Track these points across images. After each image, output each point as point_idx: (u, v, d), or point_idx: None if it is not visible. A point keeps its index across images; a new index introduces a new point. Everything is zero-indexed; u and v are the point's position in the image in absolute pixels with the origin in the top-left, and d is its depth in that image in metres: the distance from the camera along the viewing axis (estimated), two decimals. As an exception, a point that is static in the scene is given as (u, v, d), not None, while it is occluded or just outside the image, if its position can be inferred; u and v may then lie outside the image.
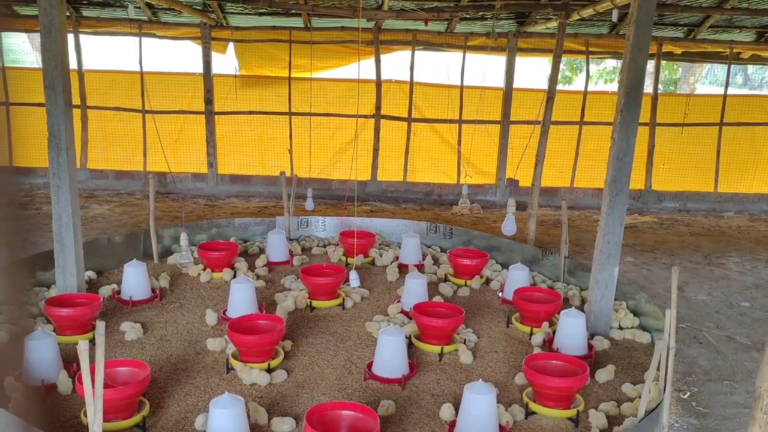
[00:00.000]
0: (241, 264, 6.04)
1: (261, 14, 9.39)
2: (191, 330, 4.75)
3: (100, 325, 2.70)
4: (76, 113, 9.68)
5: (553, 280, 6.08)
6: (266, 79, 10.17)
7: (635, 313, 5.18)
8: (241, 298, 4.85)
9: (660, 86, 11.01)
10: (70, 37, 9.46)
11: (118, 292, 5.31)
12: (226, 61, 10.18)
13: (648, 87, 9.71)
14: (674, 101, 10.48)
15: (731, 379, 4.55)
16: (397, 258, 6.46)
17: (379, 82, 10.04)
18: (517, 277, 5.50)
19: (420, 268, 6.21)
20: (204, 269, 5.87)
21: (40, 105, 4.68)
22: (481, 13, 8.76)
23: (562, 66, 11.85)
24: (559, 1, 7.32)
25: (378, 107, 10.13)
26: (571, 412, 3.69)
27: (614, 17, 6.39)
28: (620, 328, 5.02)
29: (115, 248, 6.06)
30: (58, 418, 3.53)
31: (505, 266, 6.34)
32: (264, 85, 10.18)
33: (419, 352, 4.49)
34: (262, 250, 6.68)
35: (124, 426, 3.42)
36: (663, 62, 10.50)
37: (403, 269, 6.15)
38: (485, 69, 8.46)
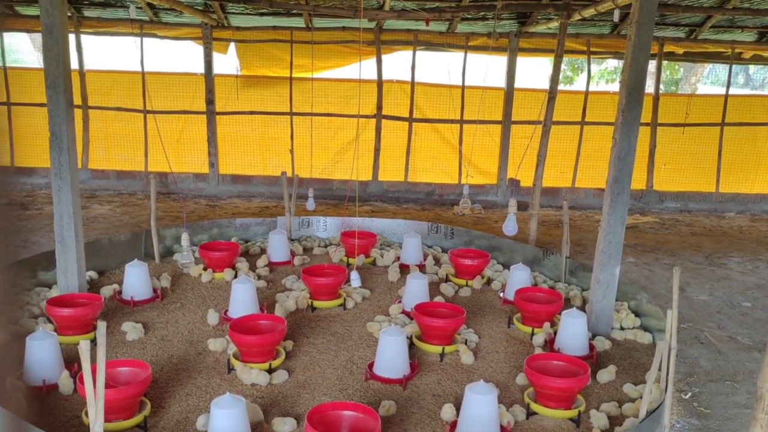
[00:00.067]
0: (243, 264, 6.04)
1: (262, 14, 9.40)
2: (192, 330, 4.75)
3: (102, 325, 2.70)
4: (78, 113, 9.68)
5: (554, 281, 6.08)
6: (267, 79, 10.18)
7: (636, 314, 5.17)
8: (243, 299, 4.85)
9: (661, 86, 11.00)
10: (72, 37, 9.46)
11: (120, 292, 5.31)
12: (227, 62, 10.19)
13: (649, 87, 9.71)
14: (676, 101, 10.47)
15: (733, 380, 4.54)
16: (399, 258, 6.45)
17: (380, 82, 10.04)
18: (519, 277, 5.49)
19: (421, 268, 6.20)
20: (205, 269, 5.87)
21: (41, 105, 4.69)
22: (482, 13, 8.76)
23: (563, 66, 11.85)
24: (561, 1, 7.32)
25: (379, 107, 10.12)
26: (573, 413, 3.69)
27: (615, 17, 6.38)
28: (621, 328, 5.01)
29: (116, 248, 6.07)
30: (59, 418, 3.53)
31: (506, 266, 6.33)
32: (265, 85, 10.19)
33: (420, 352, 4.49)
34: (263, 251, 6.69)
35: (126, 426, 3.42)
36: (664, 62, 10.49)
37: (404, 269, 6.14)
38: (486, 69, 8.46)
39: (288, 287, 5.66)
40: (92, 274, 5.62)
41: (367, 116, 10.15)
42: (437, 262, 6.56)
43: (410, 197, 10.37)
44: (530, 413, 3.73)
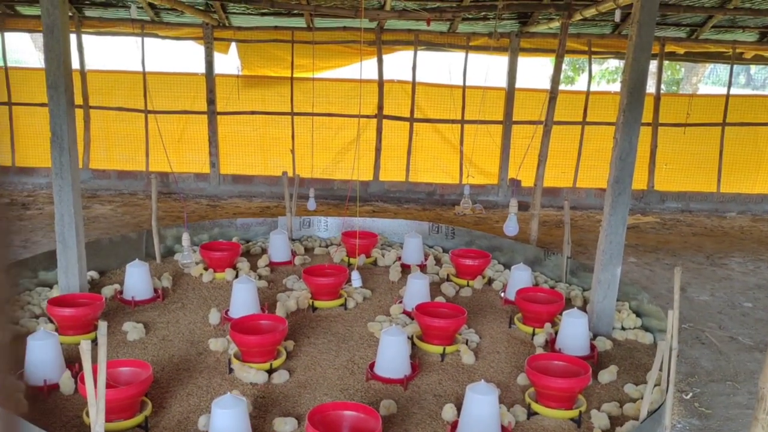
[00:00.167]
0: (243, 264, 6.04)
1: (263, 14, 9.40)
2: (193, 330, 4.75)
3: (103, 325, 2.70)
4: (79, 113, 9.68)
5: (555, 281, 6.07)
6: (268, 79, 10.18)
7: (638, 314, 5.17)
8: (243, 299, 4.85)
9: (663, 86, 11.00)
10: (73, 37, 9.47)
11: (121, 292, 5.31)
12: (228, 62, 10.20)
13: (650, 87, 9.69)
14: (677, 101, 10.47)
15: (734, 380, 4.54)
16: (400, 258, 6.45)
17: (381, 82, 10.04)
18: (520, 277, 5.49)
19: (422, 268, 6.20)
20: (206, 269, 5.87)
21: (42, 105, 4.70)
22: (483, 13, 8.76)
23: (564, 66, 11.84)
24: (562, 1, 7.31)
25: (380, 107, 10.12)
26: (574, 413, 3.69)
27: (617, 17, 6.38)
28: (622, 328, 5.01)
29: (117, 248, 6.07)
30: (60, 418, 3.54)
31: (507, 266, 6.33)
32: (266, 85, 10.19)
33: (421, 352, 4.49)
34: (264, 251, 6.68)
35: (127, 426, 3.42)
36: (666, 62, 10.48)
37: (405, 269, 6.14)
38: (487, 69, 8.46)
39: (289, 287, 5.66)
40: (93, 274, 5.62)
41: (368, 116, 10.15)
42: (438, 262, 6.56)
43: (411, 197, 10.37)
44: (531, 413, 3.73)
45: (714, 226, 9.49)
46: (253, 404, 3.71)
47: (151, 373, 3.59)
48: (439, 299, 5.32)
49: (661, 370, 3.44)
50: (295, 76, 10.08)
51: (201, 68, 9.97)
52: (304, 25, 9.70)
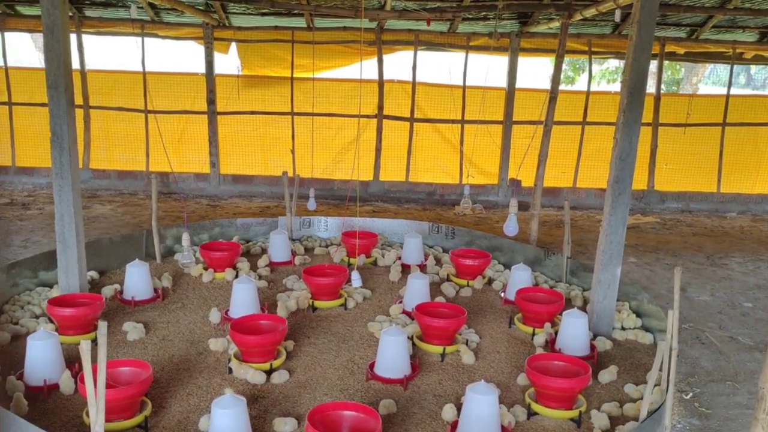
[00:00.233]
0: (243, 264, 6.04)
1: (263, 14, 9.40)
2: (193, 330, 4.75)
3: (102, 325, 2.70)
4: (79, 113, 9.68)
5: (555, 281, 6.07)
6: (269, 79, 10.18)
7: (638, 314, 5.17)
8: (243, 299, 4.85)
9: (663, 86, 11.00)
10: (73, 37, 9.47)
11: (121, 292, 5.31)
12: (228, 61, 10.20)
13: (651, 87, 9.68)
14: (677, 101, 10.47)
15: (734, 380, 4.54)
16: (400, 258, 6.45)
17: (381, 82, 10.05)
18: (520, 277, 5.49)
19: (422, 268, 6.20)
20: (206, 269, 5.87)
21: (42, 105, 4.70)
22: (483, 13, 8.76)
23: (564, 66, 11.83)
24: (562, 1, 7.32)
25: (380, 107, 10.13)
26: (574, 413, 3.69)
27: (617, 17, 6.38)
28: (623, 328, 5.01)
29: (117, 248, 6.07)
30: (60, 418, 3.53)
31: (507, 267, 6.33)
32: (266, 85, 10.19)
33: (421, 352, 4.49)
34: (264, 251, 6.69)
35: (126, 426, 3.42)
36: (666, 62, 10.48)
37: (405, 269, 6.14)
38: (488, 69, 8.46)
39: (289, 287, 5.66)
40: (93, 274, 5.62)
41: (368, 116, 10.15)
42: (438, 262, 6.56)
43: (411, 197, 10.38)
44: (531, 413, 3.73)
45: (714, 226, 9.49)
46: (252, 404, 3.71)
47: (151, 373, 3.59)
48: (439, 299, 5.32)
49: (661, 370, 3.44)
50: (295, 76, 10.08)
51: (201, 68, 9.98)
52: (305, 25, 9.71)
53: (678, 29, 9.65)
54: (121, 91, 10.14)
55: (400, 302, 5.25)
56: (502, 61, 10.12)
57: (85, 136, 10.02)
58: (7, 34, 9.97)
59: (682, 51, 10.06)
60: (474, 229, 7.70)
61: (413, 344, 4.53)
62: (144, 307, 5.15)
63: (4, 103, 10.13)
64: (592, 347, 4.57)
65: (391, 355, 4.06)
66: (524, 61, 10.28)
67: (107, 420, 2.94)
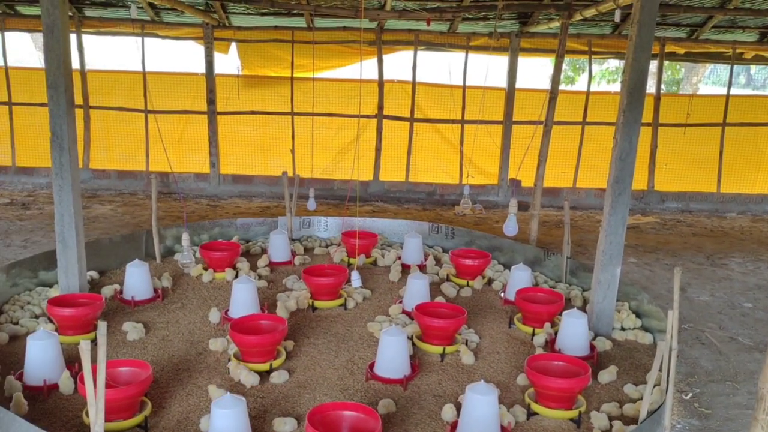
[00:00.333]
0: (243, 264, 6.04)
1: (263, 14, 9.40)
2: (193, 330, 4.75)
3: (102, 325, 2.70)
4: (79, 113, 9.68)
5: (555, 281, 6.07)
6: (269, 79, 10.19)
7: (637, 314, 5.17)
8: (243, 299, 4.85)
9: (663, 86, 11.00)
10: (73, 37, 9.48)
11: (121, 292, 5.31)
12: (228, 61, 10.20)
13: (651, 87, 9.69)
14: (677, 101, 10.47)
15: (734, 380, 4.54)
16: (400, 258, 6.45)
17: (381, 82, 10.05)
18: (519, 277, 5.49)
19: (422, 268, 6.20)
20: (206, 269, 5.87)
21: (42, 105, 4.70)
22: (483, 13, 8.76)
23: (564, 66, 11.84)
24: (562, 1, 7.32)
25: (380, 107, 10.13)
26: (573, 413, 3.69)
27: (617, 17, 6.38)
28: (622, 328, 5.01)
29: (117, 248, 6.07)
30: (59, 418, 3.53)
31: (507, 267, 6.33)
32: (266, 85, 10.19)
33: (421, 352, 4.49)
34: (264, 251, 6.68)
35: (126, 426, 3.42)
36: (666, 62, 10.48)
37: (405, 269, 6.14)
38: (487, 69, 8.45)
39: (289, 287, 5.66)
40: (93, 273, 5.62)
41: (368, 116, 10.15)
42: (438, 262, 6.56)
43: (411, 197, 10.38)
44: (531, 414, 3.73)
45: (714, 226, 9.49)
46: (251, 404, 3.71)
47: (151, 373, 3.59)
48: (439, 299, 5.32)
49: (660, 370, 3.44)
50: (295, 76, 10.09)
51: (201, 68, 9.98)
52: (304, 25, 9.71)
53: (678, 29, 9.65)
54: (121, 91, 10.14)
55: (400, 302, 5.25)
56: (502, 61, 10.12)
57: (85, 136, 10.03)
58: (7, 34, 9.97)
59: (682, 51, 10.06)
60: (474, 229, 7.70)
61: (413, 344, 4.53)
62: (144, 307, 5.15)
63: (4, 103, 10.13)
64: (592, 347, 4.57)
65: (391, 355, 4.06)
66: (524, 61, 10.29)
67: (107, 420, 2.94)
